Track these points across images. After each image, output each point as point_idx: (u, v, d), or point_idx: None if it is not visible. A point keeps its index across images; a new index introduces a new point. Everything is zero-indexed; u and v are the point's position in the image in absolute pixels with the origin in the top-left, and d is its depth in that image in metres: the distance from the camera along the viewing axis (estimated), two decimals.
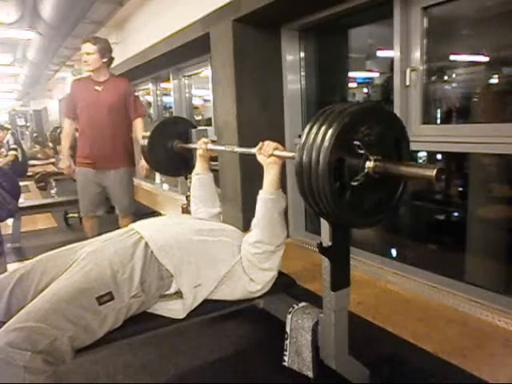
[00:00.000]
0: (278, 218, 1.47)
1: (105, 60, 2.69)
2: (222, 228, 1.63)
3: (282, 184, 1.51)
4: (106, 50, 2.69)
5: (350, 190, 1.07)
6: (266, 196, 1.46)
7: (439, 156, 2.55)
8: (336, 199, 1.04)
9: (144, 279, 1.34)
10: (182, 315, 1.38)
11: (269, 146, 1.47)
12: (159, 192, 5.08)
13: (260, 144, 1.50)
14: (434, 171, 0.93)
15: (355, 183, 1.06)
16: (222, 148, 2.19)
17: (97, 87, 2.72)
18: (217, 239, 1.53)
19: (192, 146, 2.04)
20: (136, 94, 2.80)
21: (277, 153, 1.45)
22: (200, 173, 1.92)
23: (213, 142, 3.03)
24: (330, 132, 1.00)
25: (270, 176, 1.47)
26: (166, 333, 1.49)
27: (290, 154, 1.39)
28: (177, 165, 2.27)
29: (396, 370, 1.53)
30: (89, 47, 2.64)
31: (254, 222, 1.50)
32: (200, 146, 1.91)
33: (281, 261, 1.55)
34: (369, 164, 1.06)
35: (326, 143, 1.00)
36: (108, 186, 2.83)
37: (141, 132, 2.69)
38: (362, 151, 1.05)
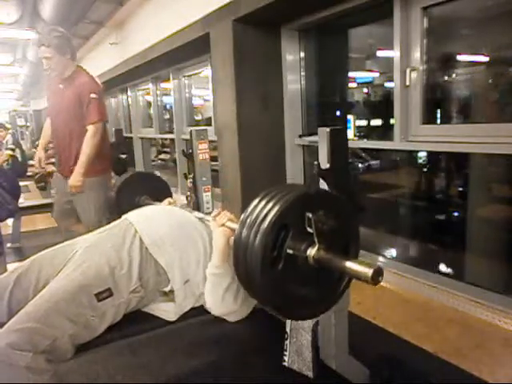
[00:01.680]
0: (221, 293, 1.39)
1: (68, 56, 2.36)
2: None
3: None
4: (64, 45, 2.34)
5: (283, 261, 0.97)
6: (212, 270, 1.40)
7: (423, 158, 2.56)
8: (267, 270, 0.94)
9: (142, 274, 1.35)
10: (174, 316, 1.38)
11: (225, 215, 1.42)
12: None
13: (219, 210, 1.48)
14: (371, 272, 0.88)
15: (291, 251, 0.97)
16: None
17: (60, 85, 2.44)
18: (206, 240, 1.52)
19: (156, 203, 2.04)
20: (94, 95, 2.33)
21: (228, 224, 1.39)
22: None
23: (213, 142, 3.05)
24: (273, 210, 0.94)
25: (215, 246, 1.41)
26: (166, 333, 1.49)
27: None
28: None
29: (396, 370, 1.53)
30: (45, 51, 2.31)
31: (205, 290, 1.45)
32: (163, 204, 1.94)
33: (240, 315, 1.48)
34: (311, 251, 0.98)
35: (268, 219, 0.93)
36: (74, 197, 2.51)
37: (86, 145, 2.32)
38: (311, 230, 0.97)
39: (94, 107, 2.34)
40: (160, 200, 2.01)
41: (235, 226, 1.35)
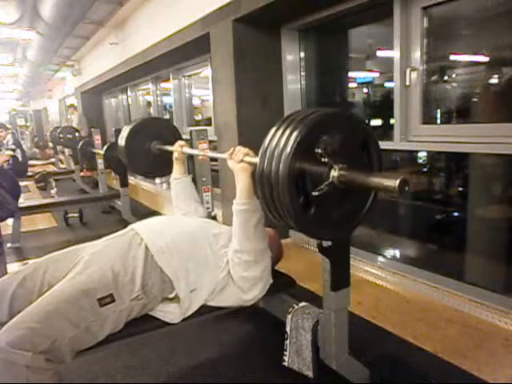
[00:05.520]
0: (252, 229, 1.37)
1: None
2: (220, 231, 1.58)
3: None
4: None
5: (315, 204, 0.98)
6: (238, 207, 1.38)
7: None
8: (300, 216, 0.96)
9: (145, 282, 1.34)
10: (176, 320, 1.38)
11: (239, 151, 1.38)
12: (159, 192, 5.08)
13: (231, 149, 1.43)
14: (397, 182, 0.88)
15: (317, 193, 0.97)
16: (196, 152, 2.15)
17: None
18: (214, 246, 1.50)
19: (169, 148, 1.98)
20: None
21: (247, 159, 1.36)
22: (179, 177, 1.89)
23: (213, 142, 3.05)
24: (292, 138, 0.93)
25: (240, 184, 1.39)
26: (166, 333, 1.49)
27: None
28: (156, 166, 2.18)
29: (396, 369, 1.53)
30: None
31: (233, 231, 1.44)
32: (175, 148, 1.88)
33: (268, 269, 1.47)
34: (333, 173, 0.99)
35: (288, 149, 0.93)
36: None
37: None
38: (326, 160, 0.97)
39: None
40: (171, 144, 1.97)
41: (254, 159, 1.31)
